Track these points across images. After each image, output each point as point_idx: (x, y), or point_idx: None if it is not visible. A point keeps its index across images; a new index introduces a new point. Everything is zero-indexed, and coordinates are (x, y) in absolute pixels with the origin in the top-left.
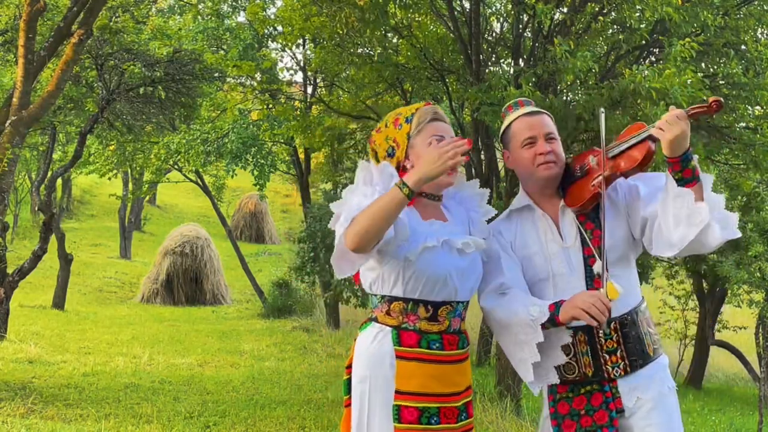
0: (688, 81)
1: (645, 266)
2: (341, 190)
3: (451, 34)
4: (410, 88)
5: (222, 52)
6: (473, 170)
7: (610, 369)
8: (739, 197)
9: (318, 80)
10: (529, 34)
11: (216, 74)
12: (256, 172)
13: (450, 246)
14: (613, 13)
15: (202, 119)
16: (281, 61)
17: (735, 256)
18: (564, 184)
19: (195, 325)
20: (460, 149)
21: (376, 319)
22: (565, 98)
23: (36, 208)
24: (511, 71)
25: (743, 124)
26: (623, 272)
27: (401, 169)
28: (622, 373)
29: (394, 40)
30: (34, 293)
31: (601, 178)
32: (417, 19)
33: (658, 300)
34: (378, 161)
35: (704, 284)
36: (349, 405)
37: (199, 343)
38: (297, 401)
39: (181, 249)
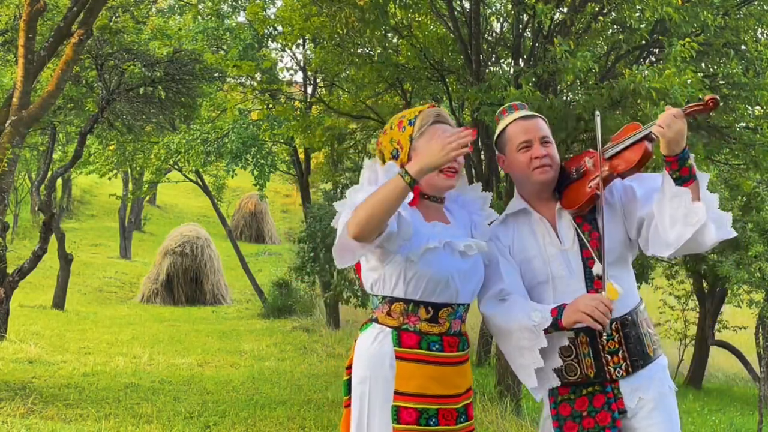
0: (688, 81)
1: (645, 266)
2: (341, 190)
3: (451, 34)
4: (410, 88)
5: (222, 52)
6: (473, 170)
7: (612, 370)
8: (739, 197)
9: (318, 80)
10: (529, 34)
11: (216, 74)
12: (256, 172)
13: (452, 248)
14: (613, 13)
15: (202, 119)
16: (281, 61)
17: (735, 256)
18: (560, 187)
19: (195, 325)
20: (464, 140)
21: (376, 320)
22: (565, 98)
23: (36, 208)
24: (511, 71)
25: (743, 124)
26: (621, 273)
27: None
28: (624, 373)
29: (394, 40)
30: (34, 293)
31: (598, 179)
32: (417, 19)
33: (658, 300)
34: (384, 163)
35: (704, 284)
36: (348, 405)
37: (199, 343)
38: (297, 401)
39: (181, 249)
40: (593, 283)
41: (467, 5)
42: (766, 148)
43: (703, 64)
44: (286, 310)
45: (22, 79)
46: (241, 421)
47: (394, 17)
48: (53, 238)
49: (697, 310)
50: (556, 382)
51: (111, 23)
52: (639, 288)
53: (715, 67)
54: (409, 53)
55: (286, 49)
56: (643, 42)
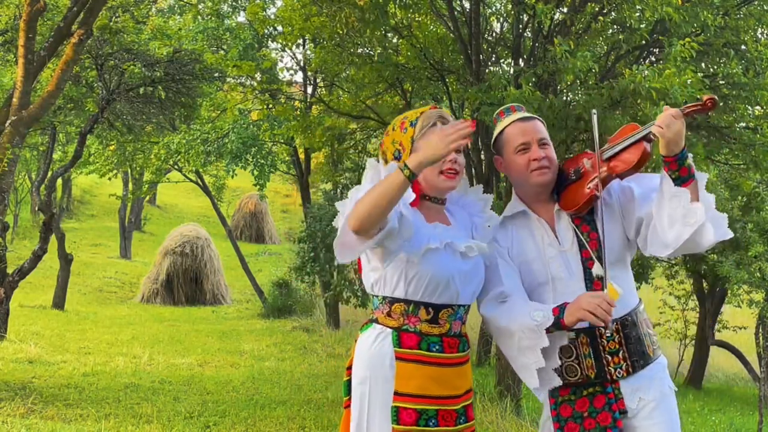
0: (688, 81)
1: (645, 266)
2: (341, 190)
3: (451, 34)
4: (410, 88)
5: (222, 52)
6: (473, 170)
7: (613, 370)
8: (739, 197)
9: (318, 80)
10: (529, 34)
11: (216, 74)
12: (256, 172)
13: (453, 249)
14: (613, 13)
15: (202, 119)
16: (281, 61)
17: (735, 256)
18: (558, 188)
19: (195, 325)
20: (463, 132)
21: (376, 321)
22: (565, 98)
23: (36, 208)
24: (511, 71)
25: (743, 124)
26: (620, 273)
27: None
28: (625, 374)
29: (394, 40)
30: (34, 293)
31: (596, 180)
32: (417, 19)
33: (658, 300)
34: (387, 164)
35: (704, 284)
36: (348, 406)
37: (199, 343)
38: (297, 401)
39: (181, 249)
40: (593, 284)
41: (467, 5)
42: (766, 148)
43: (703, 64)
44: (286, 310)
45: (22, 79)
46: (241, 421)
47: (394, 17)
48: (53, 238)
49: (697, 310)
50: (558, 382)
51: (111, 23)
52: (639, 288)
53: (715, 67)
54: (409, 53)
55: (286, 49)
56: (643, 42)
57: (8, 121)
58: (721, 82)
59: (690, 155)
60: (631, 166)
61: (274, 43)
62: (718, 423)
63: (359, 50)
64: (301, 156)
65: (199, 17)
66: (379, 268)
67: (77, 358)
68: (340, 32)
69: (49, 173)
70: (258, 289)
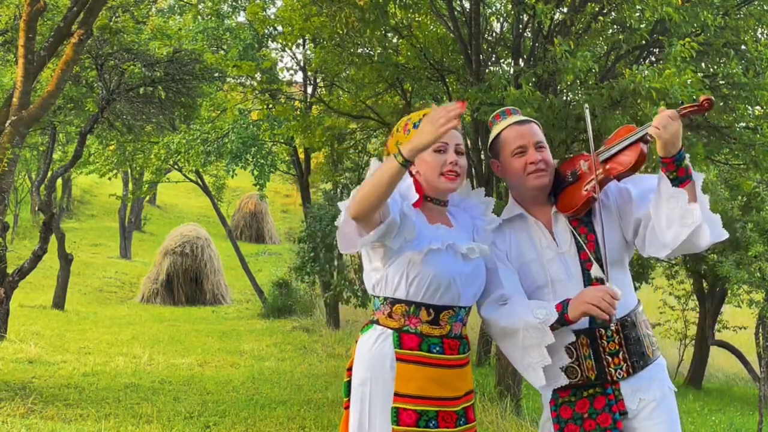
0: (688, 81)
1: (644, 266)
2: (341, 190)
3: (451, 34)
4: (410, 88)
5: (222, 52)
6: (473, 170)
7: (613, 371)
8: (739, 197)
9: (318, 80)
10: (529, 34)
11: (216, 74)
12: (256, 172)
13: (455, 250)
14: (613, 13)
15: (202, 119)
16: (281, 61)
17: (735, 256)
18: (555, 191)
19: (195, 325)
20: (452, 113)
21: (377, 322)
22: (565, 98)
23: (36, 208)
24: (511, 71)
25: (743, 124)
26: (619, 274)
27: (409, 174)
28: (625, 375)
29: (394, 40)
30: (34, 293)
31: (593, 182)
32: (417, 19)
33: (658, 300)
34: None
35: (704, 284)
36: (348, 407)
37: (199, 343)
38: (297, 401)
39: (181, 249)
40: (592, 285)
41: (467, 5)
42: (766, 148)
43: (703, 64)
44: (286, 310)
45: (22, 79)
46: (241, 421)
47: (394, 17)
48: (53, 238)
49: (697, 310)
50: (564, 381)
51: (111, 23)
52: (639, 288)
53: (715, 67)
54: (409, 53)
55: (286, 49)
56: (643, 42)
57: (8, 121)
58: (721, 82)
59: (687, 156)
60: (628, 168)
61: (274, 43)
62: (718, 423)
63: (359, 50)
64: (301, 156)
65: (199, 17)
66: (381, 268)
67: (77, 358)
68: (340, 32)
69: (49, 173)
70: (258, 289)
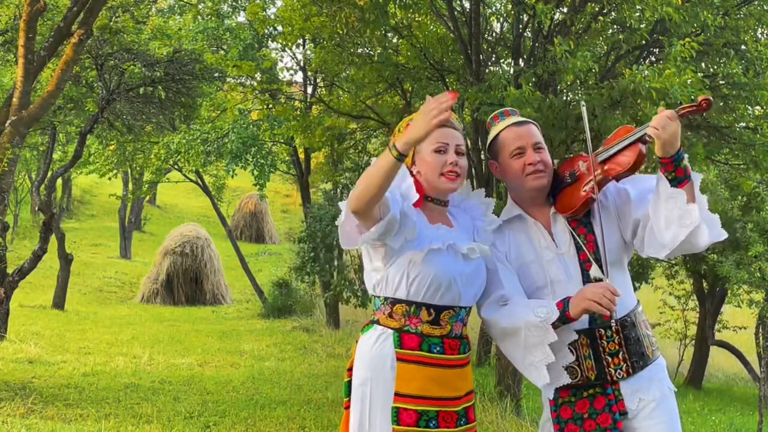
0: (688, 81)
1: (644, 266)
2: (341, 190)
3: (451, 34)
4: (410, 88)
5: (222, 52)
6: (473, 170)
7: (613, 371)
8: (739, 197)
9: (318, 80)
10: (529, 34)
11: (216, 74)
12: (256, 172)
13: (455, 250)
14: (613, 13)
15: (202, 119)
16: (281, 61)
17: (735, 256)
18: (554, 191)
19: (195, 325)
20: (444, 105)
21: (377, 322)
22: (565, 98)
23: (36, 208)
24: (511, 71)
25: (743, 124)
26: (618, 275)
27: (410, 174)
28: (625, 375)
29: (394, 40)
30: (34, 293)
31: (592, 183)
32: (417, 19)
33: (658, 300)
34: None
35: (704, 284)
36: (349, 407)
37: (199, 343)
38: (297, 401)
39: (181, 249)
40: None
41: (467, 5)
42: (766, 148)
43: (703, 64)
44: (286, 310)
45: (22, 79)
46: (241, 421)
47: (394, 17)
48: (53, 238)
49: (697, 310)
50: (567, 379)
51: (111, 23)
52: (639, 288)
53: (715, 67)
54: (409, 53)
55: (286, 49)
56: (643, 42)
57: (8, 121)
58: (721, 82)
59: (686, 156)
60: (626, 168)
61: (274, 43)
62: (718, 423)
63: (359, 50)
64: (301, 156)
65: (199, 17)
66: (381, 268)
67: (77, 358)
68: (340, 32)
69: (49, 173)
70: (258, 289)
